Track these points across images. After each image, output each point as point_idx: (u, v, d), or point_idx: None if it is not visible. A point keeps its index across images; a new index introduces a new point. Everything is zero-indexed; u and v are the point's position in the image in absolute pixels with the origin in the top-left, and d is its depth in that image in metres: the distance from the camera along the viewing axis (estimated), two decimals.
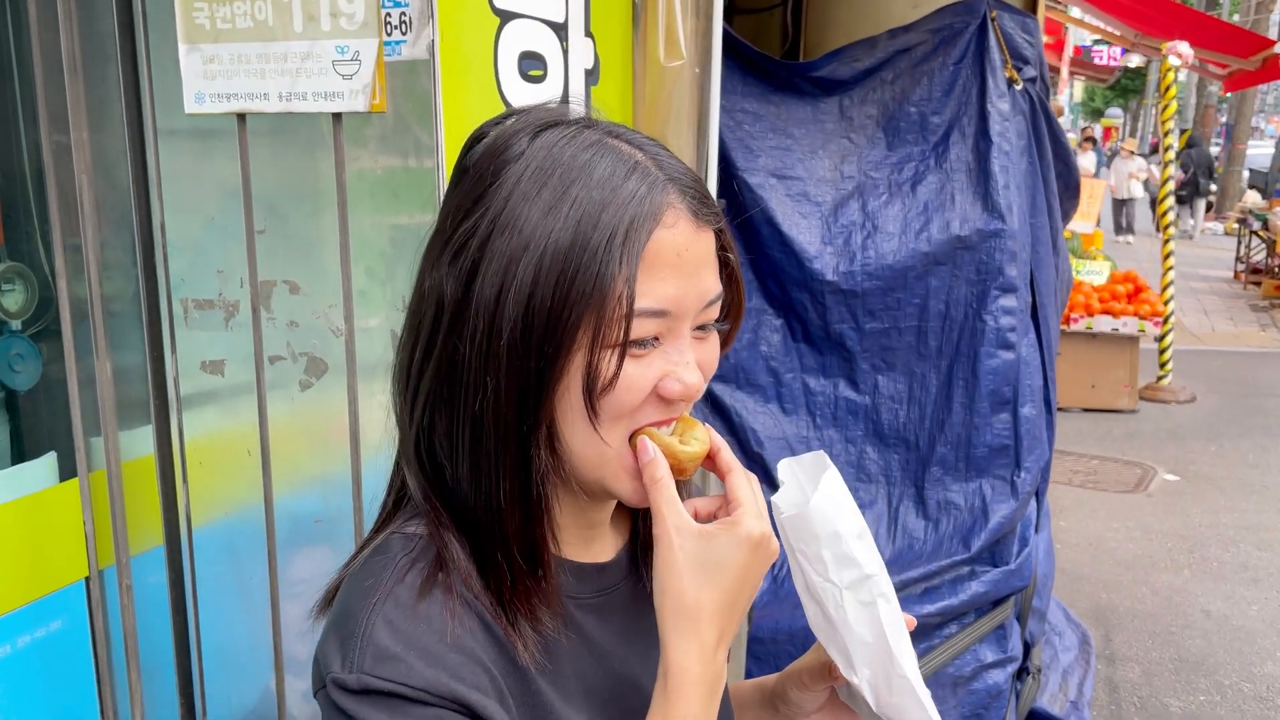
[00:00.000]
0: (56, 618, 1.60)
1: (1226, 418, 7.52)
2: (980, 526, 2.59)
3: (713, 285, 0.81)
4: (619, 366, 0.76)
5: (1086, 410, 7.51)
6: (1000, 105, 2.59)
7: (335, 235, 1.37)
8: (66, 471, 1.59)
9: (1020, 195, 2.62)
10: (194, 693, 1.71)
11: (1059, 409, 2.97)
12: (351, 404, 1.39)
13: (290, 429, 1.50)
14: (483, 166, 0.78)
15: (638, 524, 0.95)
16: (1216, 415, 7.59)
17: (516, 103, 1.52)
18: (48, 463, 1.59)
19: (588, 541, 0.90)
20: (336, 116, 1.35)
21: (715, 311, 0.83)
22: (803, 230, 2.66)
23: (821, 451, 0.88)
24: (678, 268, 0.77)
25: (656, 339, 0.78)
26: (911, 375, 2.65)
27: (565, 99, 1.63)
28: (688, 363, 0.80)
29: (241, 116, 1.39)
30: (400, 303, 1.43)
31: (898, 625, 0.88)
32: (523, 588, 0.80)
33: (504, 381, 0.76)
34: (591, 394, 0.76)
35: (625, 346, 0.76)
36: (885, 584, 0.86)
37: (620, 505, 0.94)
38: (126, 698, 1.65)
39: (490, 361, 0.76)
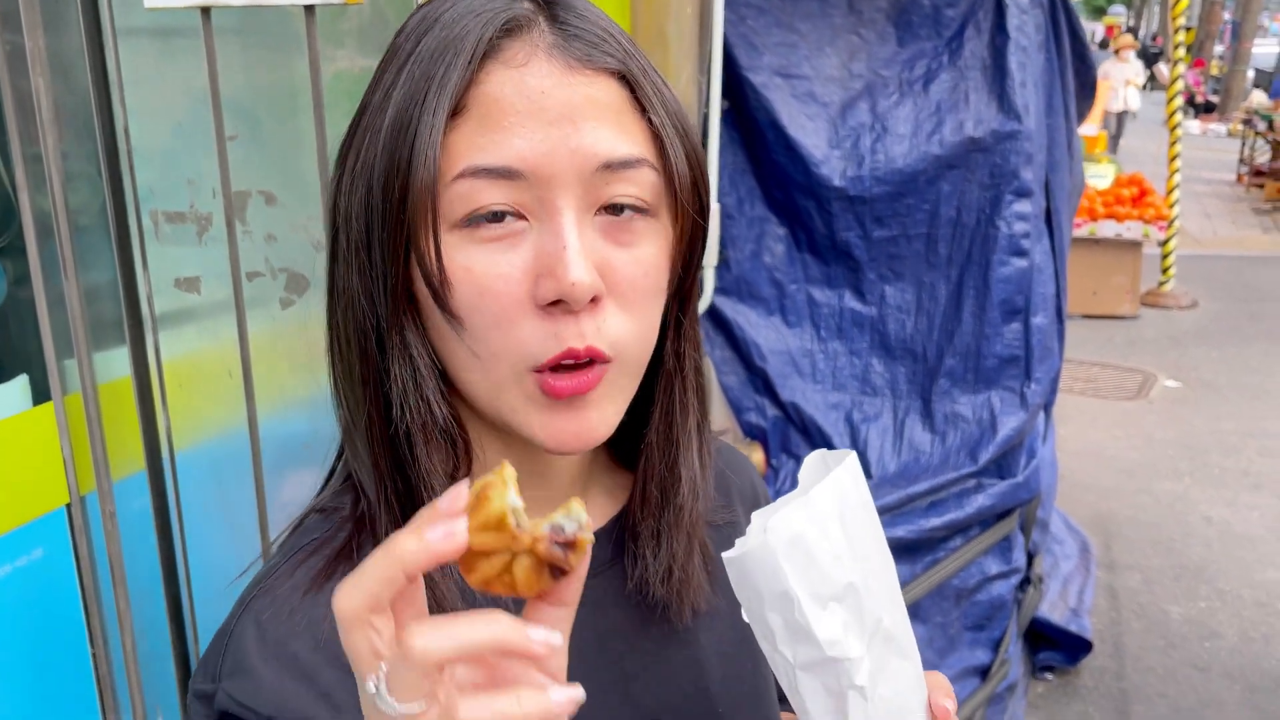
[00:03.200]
0: (38, 545, 1.55)
1: (1228, 323, 7.49)
2: (988, 439, 2.54)
3: (609, 144, 0.59)
4: (436, 250, 0.59)
5: (1087, 317, 7.47)
6: None
7: (312, 141, 1.28)
8: (40, 395, 1.53)
9: (1037, 94, 2.50)
10: (184, 618, 1.67)
11: None
12: None
13: (272, 349, 1.43)
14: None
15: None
16: (1218, 321, 7.56)
17: None
18: (20, 386, 1.52)
19: (548, 506, 0.69)
20: (309, 9, 1.25)
21: (628, 185, 0.60)
22: (809, 133, 2.55)
23: (851, 453, 0.63)
24: (531, 115, 0.58)
25: (522, 217, 0.59)
26: (920, 285, 2.57)
27: None
28: (564, 249, 0.58)
29: (205, 11, 1.29)
30: None
31: None
32: None
33: (356, 281, 0.62)
34: (434, 291, 0.60)
35: (435, 223, 0.58)
36: (869, 672, 0.60)
37: (601, 458, 0.77)
38: (115, 623, 1.62)
39: (346, 262, 0.63)
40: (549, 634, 0.44)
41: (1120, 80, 13.11)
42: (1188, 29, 8.26)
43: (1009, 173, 2.46)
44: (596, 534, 0.72)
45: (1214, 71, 22.93)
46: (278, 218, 1.38)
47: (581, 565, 0.47)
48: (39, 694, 1.52)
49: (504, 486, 0.45)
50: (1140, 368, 6.52)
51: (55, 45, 1.44)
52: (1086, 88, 2.93)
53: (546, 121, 0.58)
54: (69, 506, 1.56)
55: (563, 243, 0.58)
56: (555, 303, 0.59)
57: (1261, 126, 12.91)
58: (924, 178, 2.49)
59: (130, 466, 1.60)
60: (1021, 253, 2.49)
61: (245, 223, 1.39)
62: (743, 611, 0.61)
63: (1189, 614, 3.81)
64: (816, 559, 0.58)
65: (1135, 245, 7.40)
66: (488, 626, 0.43)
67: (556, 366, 0.61)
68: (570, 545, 0.46)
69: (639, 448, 0.73)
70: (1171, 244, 7.88)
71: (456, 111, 0.59)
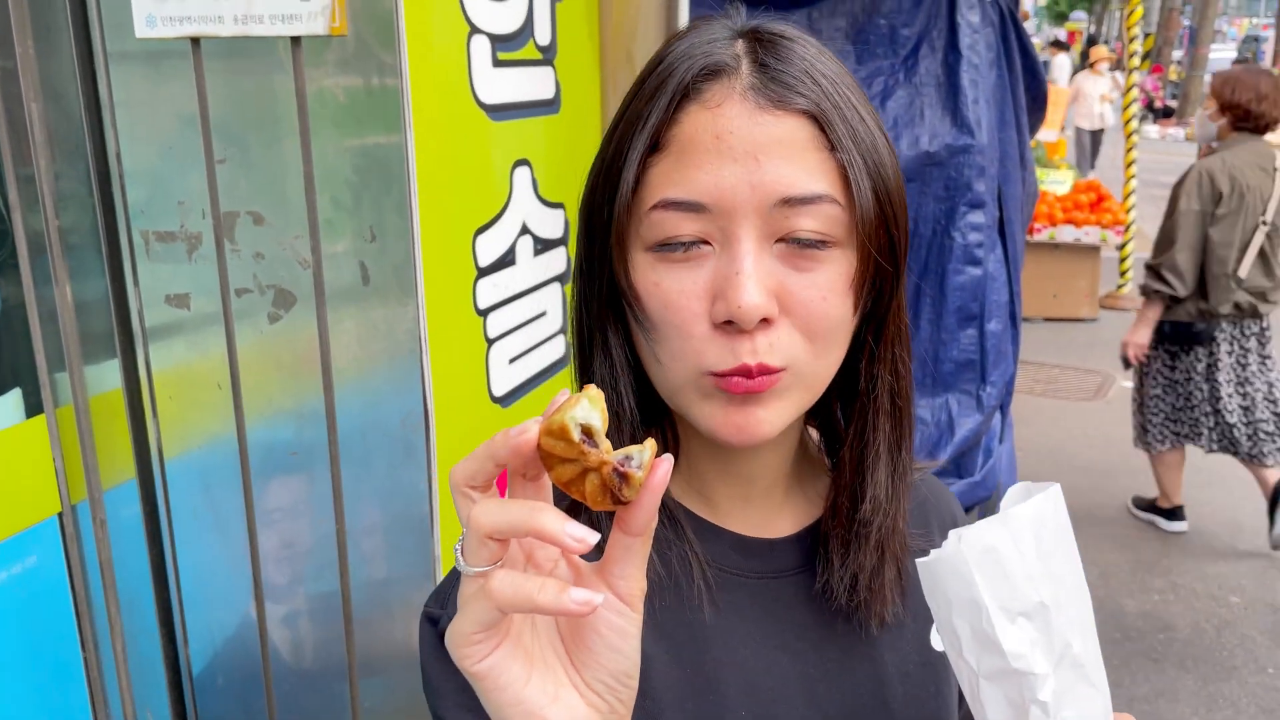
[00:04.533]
0: (31, 553, 1.59)
1: None
2: (946, 440, 2.63)
3: (792, 179, 0.64)
4: (627, 270, 0.67)
5: (1049, 320, 7.61)
6: (970, 17, 2.56)
7: (298, 163, 1.34)
8: (33, 408, 1.57)
9: (989, 109, 2.60)
10: (174, 622, 1.72)
11: (1022, 319, 3.00)
12: (322, 335, 1.38)
13: (260, 361, 1.49)
14: None
15: (840, 495, 0.77)
16: None
17: (479, 21, 1.48)
18: (13, 400, 1.57)
19: (745, 502, 0.77)
20: (295, 40, 1.31)
21: (808, 219, 0.64)
22: None
23: (1056, 485, 0.64)
24: (718, 153, 0.63)
25: (707, 243, 0.65)
26: None
27: (530, 17, 1.59)
28: (737, 274, 0.63)
29: (195, 40, 1.34)
30: (368, 232, 1.41)
31: None
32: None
33: (581, 287, 0.73)
34: (628, 302, 0.68)
35: (627, 246, 0.67)
36: (1054, 691, 0.60)
37: (808, 468, 0.82)
38: (106, 629, 1.66)
39: (578, 271, 0.74)
40: (587, 532, 0.48)
41: (1095, 95, 12.04)
42: (1147, 35, 8.43)
43: (963, 185, 2.56)
44: (792, 538, 0.78)
45: (1172, 77, 23.29)
46: (266, 237, 1.43)
47: (643, 499, 0.51)
48: (32, 696, 1.56)
49: (577, 403, 0.50)
50: (1099, 369, 6.66)
51: (48, 70, 1.49)
52: (1037, 101, 3.04)
53: (732, 159, 0.63)
54: (61, 515, 1.60)
55: (737, 268, 0.63)
56: (728, 322, 0.64)
57: None
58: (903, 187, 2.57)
59: (121, 475, 1.64)
60: (976, 262, 2.59)
61: (234, 241, 1.44)
62: (934, 623, 0.63)
63: (1143, 607, 3.94)
64: (1009, 573, 0.59)
65: (1094, 250, 7.56)
66: (534, 513, 0.49)
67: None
68: (626, 478, 0.50)
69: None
70: (1129, 248, 8.06)
71: (659, 147, 0.66)
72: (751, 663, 0.74)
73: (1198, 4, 20.65)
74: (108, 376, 1.60)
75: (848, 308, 0.68)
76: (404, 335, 1.42)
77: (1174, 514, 4.51)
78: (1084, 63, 13.09)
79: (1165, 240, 4.13)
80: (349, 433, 1.44)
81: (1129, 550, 4.35)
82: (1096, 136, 12.51)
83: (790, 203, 0.64)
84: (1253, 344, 4.05)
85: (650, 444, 0.51)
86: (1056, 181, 7.98)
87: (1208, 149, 4.31)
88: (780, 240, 0.65)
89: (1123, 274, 8.17)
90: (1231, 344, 4.04)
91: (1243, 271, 3.92)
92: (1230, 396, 4.05)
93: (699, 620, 0.73)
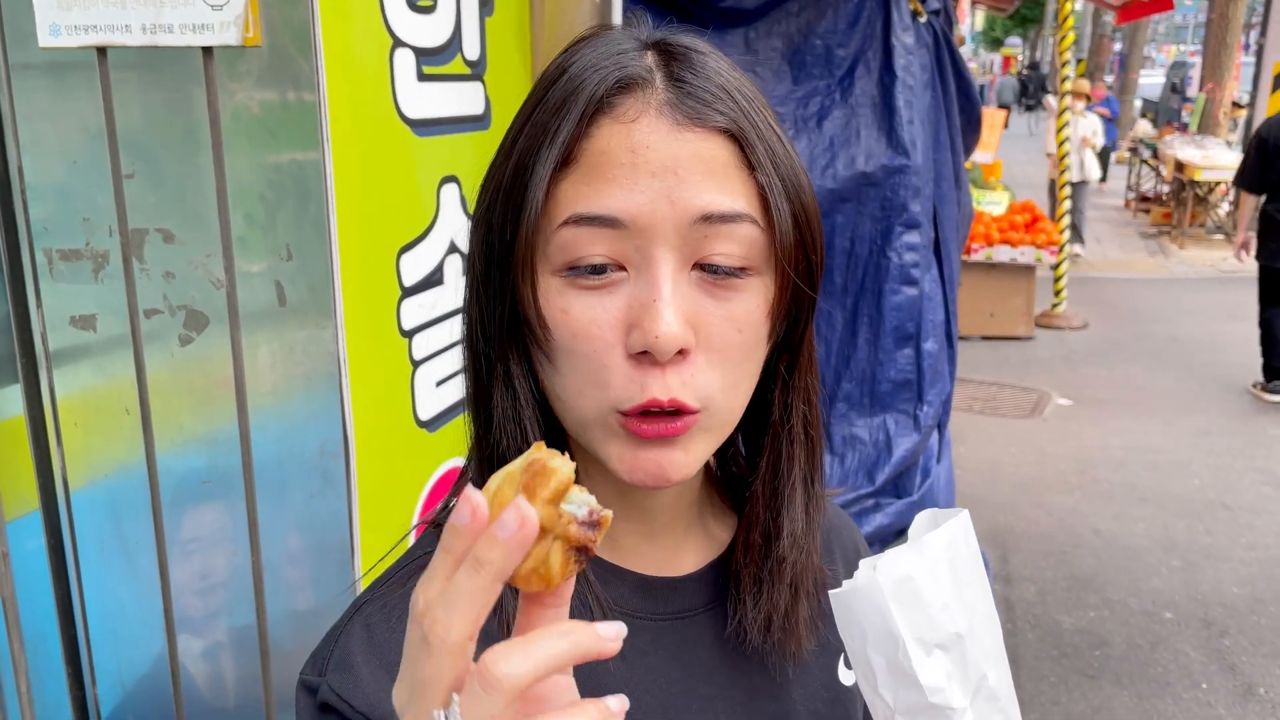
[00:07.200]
0: None
1: (1116, 343, 7.82)
2: (884, 460, 2.63)
3: (711, 199, 0.60)
4: (534, 296, 0.62)
5: (986, 338, 7.73)
6: (904, 38, 2.57)
7: (210, 179, 1.29)
8: None
9: (924, 130, 2.62)
10: (81, 660, 1.64)
11: (960, 338, 3.03)
12: (236, 358, 1.33)
13: (171, 385, 1.43)
14: None
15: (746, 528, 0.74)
16: (1107, 341, 7.89)
17: (402, 34, 1.44)
18: None
19: (647, 539, 0.73)
20: (207, 50, 1.26)
21: (727, 241, 0.60)
22: None
23: (964, 511, 0.62)
24: (634, 167, 0.59)
25: (621, 268, 0.61)
26: (818, 313, 2.63)
27: (458, 31, 1.56)
28: (655, 301, 0.59)
29: (102, 50, 1.29)
30: (284, 250, 1.36)
31: None
32: None
33: (475, 314, 0.67)
34: (532, 330, 0.63)
35: (535, 268, 0.61)
36: None
37: (710, 499, 0.78)
38: (9, 668, 1.58)
39: (470, 294, 0.68)
40: (617, 626, 0.42)
41: (1075, 140, 9.03)
42: (1079, 60, 8.60)
43: (898, 205, 2.56)
44: (695, 575, 0.74)
45: None
46: (176, 255, 1.38)
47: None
48: None
49: (565, 487, 0.42)
50: (1035, 386, 6.77)
51: None
52: (972, 123, 3.07)
53: (649, 173, 0.59)
54: None
55: (654, 294, 0.59)
56: (644, 353, 0.60)
57: (1147, 155, 13.53)
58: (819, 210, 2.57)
59: (24, 506, 1.57)
60: (912, 281, 2.60)
61: (143, 260, 1.38)
62: (842, 656, 0.60)
63: (1079, 624, 3.97)
64: (925, 603, 0.57)
65: (1029, 269, 7.69)
66: (564, 638, 0.41)
67: (643, 412, 0.61)
68: (596, 524, 0.43)
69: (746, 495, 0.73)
70: (1063, 268, 8.22)
71: (567, 162, 0.61)
72: (658, 712, 0.69)
73: (1128, 31, 21.20)
74: (9, 402, 1.53)
75: (762, 337, 0.65)
76: (322, 358, 1.36)
77: None
78: (1025, 92, 12.67)
79: None
80: (265, 460, 1.38)
81: (1065, 567, 4.40)
82: (1078, 191, 9.57)
83: (710, 219, 0.60)
84: None
85: (567, 474, 0.44)
86: (993, 202, 8.12)
87: None
88: (698, 267, 0.61)
89: (1058, 293, 8.33)
90: None
91: None
92: None
93: (600, 668, 0.67)
